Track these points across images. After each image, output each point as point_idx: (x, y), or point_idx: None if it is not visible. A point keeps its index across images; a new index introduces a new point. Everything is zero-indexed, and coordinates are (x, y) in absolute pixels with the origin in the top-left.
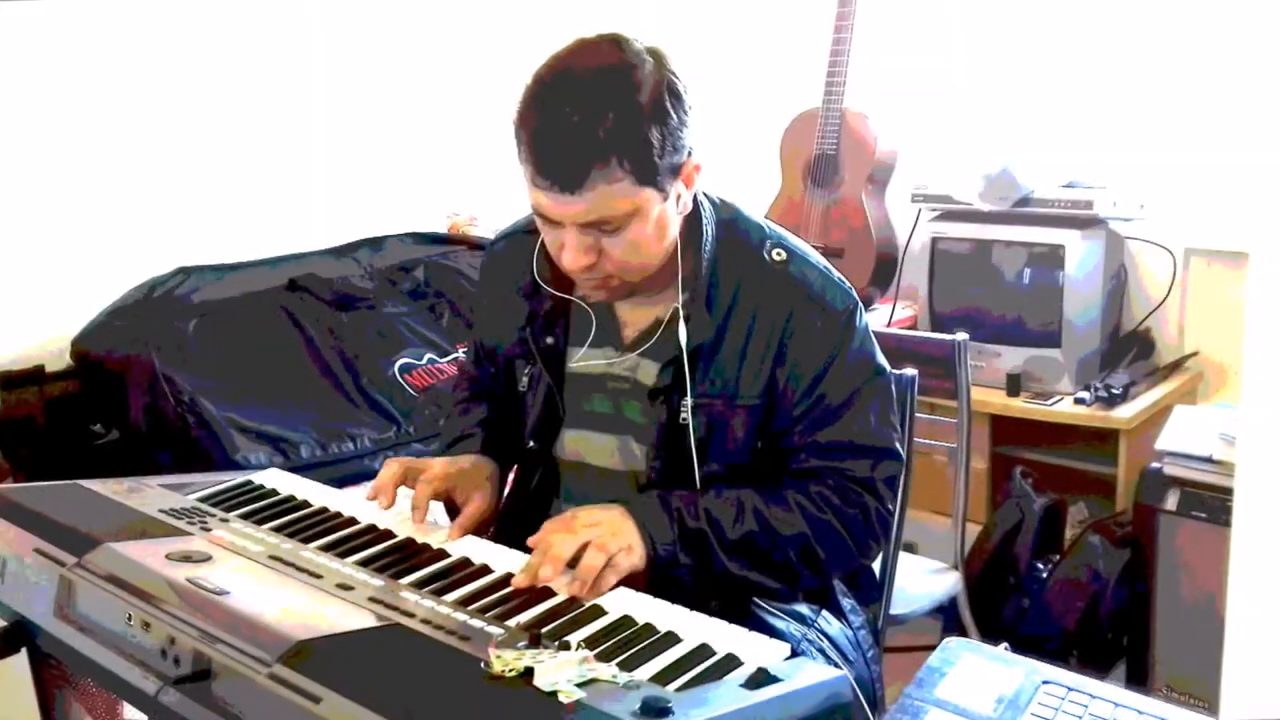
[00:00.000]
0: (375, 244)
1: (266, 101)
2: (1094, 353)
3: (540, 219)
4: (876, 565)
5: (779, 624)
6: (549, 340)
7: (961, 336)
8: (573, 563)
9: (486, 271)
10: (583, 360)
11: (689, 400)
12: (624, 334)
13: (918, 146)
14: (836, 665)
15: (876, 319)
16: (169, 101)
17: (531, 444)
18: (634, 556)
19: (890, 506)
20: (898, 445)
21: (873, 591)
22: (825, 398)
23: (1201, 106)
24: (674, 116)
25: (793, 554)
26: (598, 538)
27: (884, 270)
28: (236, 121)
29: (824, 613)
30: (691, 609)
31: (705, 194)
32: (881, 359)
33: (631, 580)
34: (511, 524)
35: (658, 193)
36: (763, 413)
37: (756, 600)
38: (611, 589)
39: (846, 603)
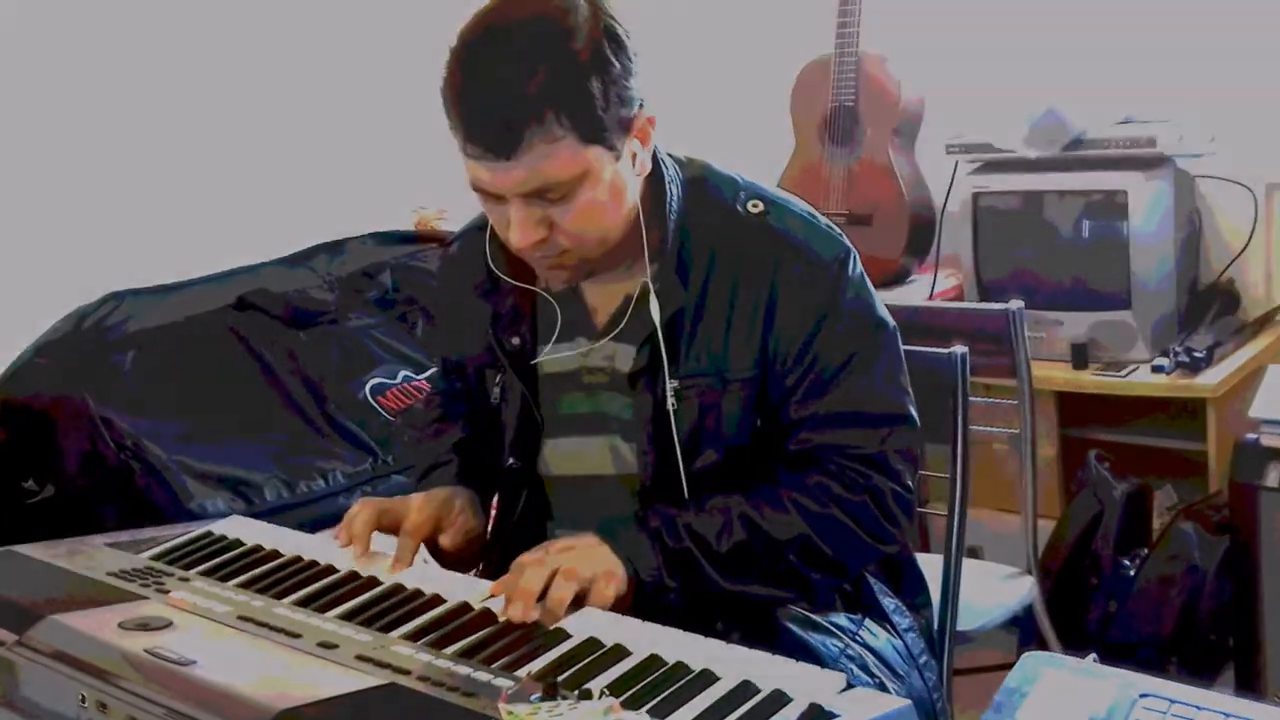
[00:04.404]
0: (333, 248)
1: (200, 95)
2: (1170, 312)
3: (481, 195)
4: (936, 570)
5: (812, 641)
6: (515, 341)
7: (1016, 305)
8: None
9: (442, 278)
10: (552, 356)
11: (673, 383)
12: (594, 320)
13: (948, 90)
14: (882, 683)
15: (916, 292)
16: (86, 103)
17: (512, 461)
18: (615, 583)
19: (908, 482)
20: (911, 410)
21: (917, 590)
22: (819, 361)
23: (1273, 13)
24: (616, 65)
25: (795, 558)
26: (567, 563)
27: (920, 235)
28: (165, 120)
29: (867, 622)
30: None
31: (668, 153)
32: (883, 312)
33: (616, 609)
34: (503, 558)
35: (607, 151)
36: (759, 386)
37: (783, 619)
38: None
39: (889, 603)
